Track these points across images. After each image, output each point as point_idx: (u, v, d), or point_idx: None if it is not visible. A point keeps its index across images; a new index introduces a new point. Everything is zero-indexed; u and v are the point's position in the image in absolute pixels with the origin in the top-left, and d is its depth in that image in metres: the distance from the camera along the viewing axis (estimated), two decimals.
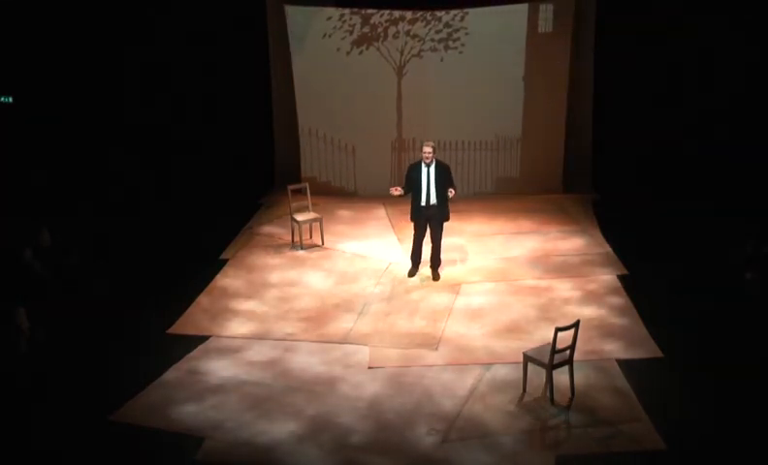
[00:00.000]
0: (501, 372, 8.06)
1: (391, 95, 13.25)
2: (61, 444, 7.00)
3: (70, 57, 12.44)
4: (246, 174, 13.56)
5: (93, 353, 8.47)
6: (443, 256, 10.36)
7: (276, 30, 13.30)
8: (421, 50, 13.07)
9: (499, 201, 13.09)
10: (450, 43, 13.03)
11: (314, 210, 11.58)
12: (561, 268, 10.49)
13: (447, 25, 12.98)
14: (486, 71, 13.02)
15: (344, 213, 12.74)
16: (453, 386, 7.84)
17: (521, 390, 7.67)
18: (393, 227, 12.04)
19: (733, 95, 12.48)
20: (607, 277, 10.18)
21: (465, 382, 7.91)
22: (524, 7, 12.83)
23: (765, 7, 12.04)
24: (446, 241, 10.99)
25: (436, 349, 8.59)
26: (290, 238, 11.47)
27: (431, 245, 10.15)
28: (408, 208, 10.18)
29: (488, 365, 8.20)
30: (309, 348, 8.64)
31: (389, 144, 13.45)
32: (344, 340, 8.81)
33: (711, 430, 7.05)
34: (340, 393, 7.76)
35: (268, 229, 12.14)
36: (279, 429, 7.18)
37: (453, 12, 12.90)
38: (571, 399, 7.56)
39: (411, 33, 13.02)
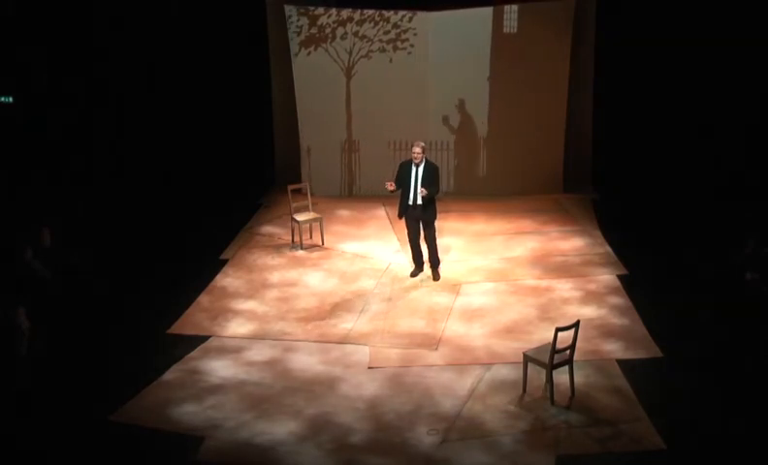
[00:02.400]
0: (501, 372, 8.06)
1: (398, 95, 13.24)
2: (61, 444, 6.99)
3: (70, 57, 12.45)
4: (246, 174, 13.56)
5: (93, 353, 8.47)
6: (442, 255, 10.37)
7: (276, 30, 13.31)
8: (369, 51, 13.07)
9: (499, 201, 13.08)
10: (399, 43, 13.01)
11: (314, 210, 11.58)
12: (561, 268, 10.49)
13: (395, 26, 12.97)
14: (447, 71, 13.04)
15: (344, 213, 12.74)
16: (453, 386, 7.84)
17: (521, 390, 7.67)
18: (393, 227, 12.04)
19: (733, 95, 12.48)
20: (607, 277, 10.18)
21: (465, 382, 7.91)
22: (488, 10, 12.89)
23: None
24: (446, 241, 11.03)
25: (436, 349, 8.59)
26: (290, 238, 11.46)
27: (427, 247, 10.16)
28: None
29: (488, 365, 8.20)
30: (309, 348, 8.64)
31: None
32: (344, 340, 8.81)
33: (711, 430, 7.05)
34: (340, 393, 7.76)
35: (268, 229, 12.14)
36: (279, 429, 7.18)
37: (401, 12, 12.89)
38: (571, 399, 7.56)
39: (360, 34, 13.00)
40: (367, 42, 13.05)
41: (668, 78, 12.88)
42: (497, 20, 12.94)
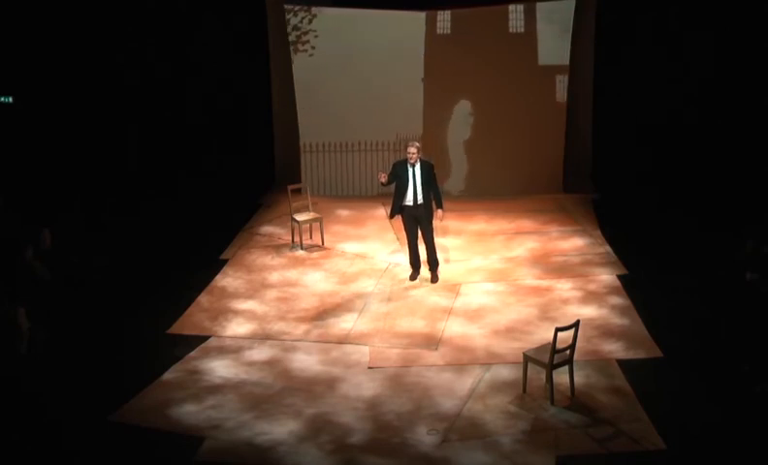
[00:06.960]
0: (501, 372, 8.06)
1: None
2: (61, 444, 6.99)
3: (70, 57, 12.46)
4: (246, 174, 13.56)
5: (93, 353, 8.47)
6: (440, 256, 10.34)
7: (276, 30, 13.31)
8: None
9: (499, 201, 13.08)
10: (300, 45, 13.01)
11: (314, 210, 11.58)
12: (561, 268, 10.49)
13: (295, 28, 13.00)
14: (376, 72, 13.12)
15: (344, 213, 12.74)
16: (453, 386, 7.84)
17: (521, 390, 7.67)
18: (392, 227, 12.03)
19: (732, 95, 12.48)
20: (607, 277, 10.18)
21: (465, 382, 7.91)
22: (490, 10, 12.99)
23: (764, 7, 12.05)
24: (446, 241, 11.03)
25: (436, 349, 8.59)
26: (290, 238, 11.47)
27: (425, 247, 10.12)
28: None
29: (488, 365, 8.20)
30: (309, 348, 8.64)
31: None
32: (344, 340, 8.81)
33: (711, 430, 7.05)
34: (340, 393, 7.77)
35: (268, 229, 12.14)
36: (279, 429, 7.18)
37: (301, 14, 12.91)
38: (571, 399, 7.56)
39: None
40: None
41: (668, 78, 12.88)
42: (502, 20, 12.93)
